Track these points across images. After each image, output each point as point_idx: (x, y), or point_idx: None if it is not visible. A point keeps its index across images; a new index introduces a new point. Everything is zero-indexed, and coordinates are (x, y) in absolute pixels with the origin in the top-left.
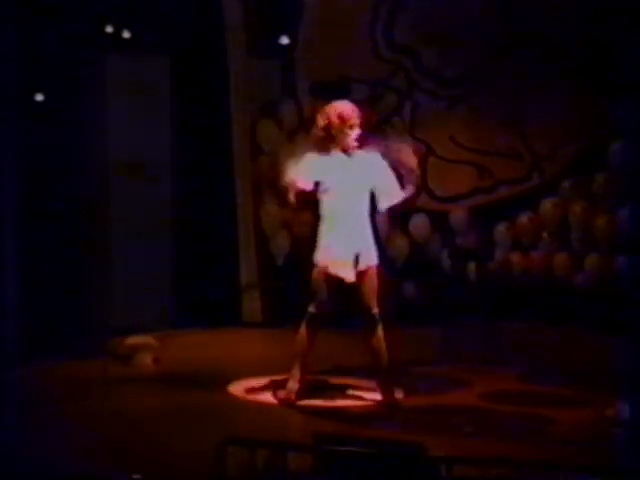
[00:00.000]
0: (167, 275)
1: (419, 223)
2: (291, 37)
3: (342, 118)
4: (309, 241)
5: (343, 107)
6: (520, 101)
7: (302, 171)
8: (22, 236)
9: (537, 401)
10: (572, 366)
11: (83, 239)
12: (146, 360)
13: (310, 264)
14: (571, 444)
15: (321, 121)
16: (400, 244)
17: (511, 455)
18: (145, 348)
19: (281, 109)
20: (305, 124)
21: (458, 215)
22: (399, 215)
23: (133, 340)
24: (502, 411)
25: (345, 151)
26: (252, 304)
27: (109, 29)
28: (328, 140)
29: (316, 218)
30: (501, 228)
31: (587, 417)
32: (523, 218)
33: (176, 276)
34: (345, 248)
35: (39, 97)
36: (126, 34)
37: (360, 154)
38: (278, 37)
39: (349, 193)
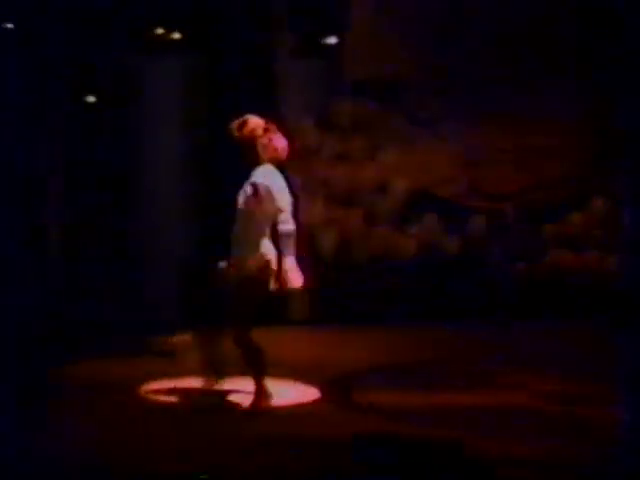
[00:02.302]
0: None
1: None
2: (338, 37)
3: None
4: (356, 239)
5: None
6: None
7: None
8: (66, 233)
9: (584, 401)
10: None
11: (125, 236)
12: (191, 358)
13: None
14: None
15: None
16: (450, 242)
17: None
18: (190, 346)
19: (328, 109)
20: (353, 123)
21: (508, 214)
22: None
23: (178, 338)
24: (552, 411)
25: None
26: (300, 301)
27: (158, 31)
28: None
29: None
30: (551, 227)
31: None
32: (574, 217)
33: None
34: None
35: (90, 99)
36: (172, 35)
37: None
38: (324, 37)
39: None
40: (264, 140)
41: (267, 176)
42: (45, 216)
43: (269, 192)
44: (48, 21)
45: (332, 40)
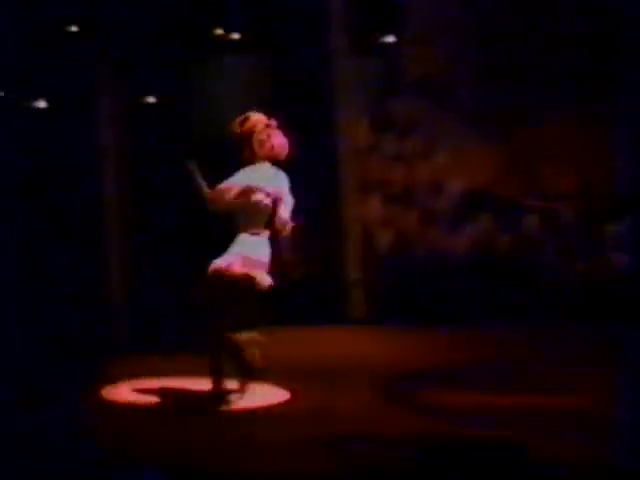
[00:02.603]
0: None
1: (529, 221)
2: (396, 35)
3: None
4: (412, 238)
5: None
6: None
7: None
8: (125, 237)
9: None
10: None
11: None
12: (254, 357)
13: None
14: None
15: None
16: (505, 242)
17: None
18: (252, 344)
19: (384, 108)
20: (409, 123)
21: (564, 214)
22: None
23: (240, 336)
24: (602, 414)
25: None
26: (357, 301)
27: (219, 30)
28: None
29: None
30: (611, 228)
31: None
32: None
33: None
34: None
35: (150, 99)
36: (233, 35)
37: None
38: (382, 35)
39: None
40: (262, 136)
41: (247, 173)
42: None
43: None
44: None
45: (390, 39)
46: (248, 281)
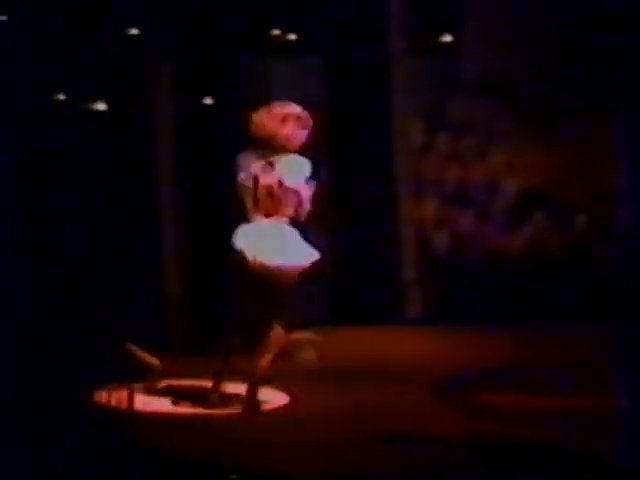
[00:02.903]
0: (328, 271)
1: (581, 222)
2: (454, 35)
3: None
4: (467, 239)
5: (302, 111)
6: None
7: None
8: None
9: None
10: None
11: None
12: (310, 356)
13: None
14: None
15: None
16: (560, 243)
17: None
18: (308, 344)
19: (443, 108)
20: (465, 123)
21: (619, 215)
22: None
23: (296, 336)
24: None
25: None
26: (414, 301)
27: (274, 32)
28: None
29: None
30: None
31: None
32: None
33: (337, 272)
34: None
35: (208, 100)
36: (286, 36)
37: None
38: (440, 35)
39: None
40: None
41: None
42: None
43: None
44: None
45: (447, 39)
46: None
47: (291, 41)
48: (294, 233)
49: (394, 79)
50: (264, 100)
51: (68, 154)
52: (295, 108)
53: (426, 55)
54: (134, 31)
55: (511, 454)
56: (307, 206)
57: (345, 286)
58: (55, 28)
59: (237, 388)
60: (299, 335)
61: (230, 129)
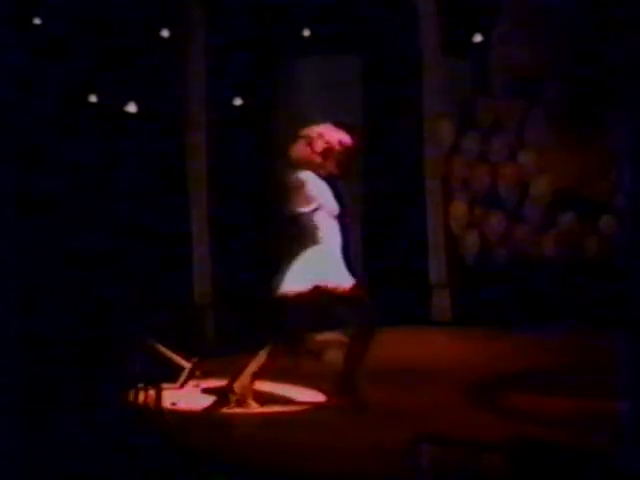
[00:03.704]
0: (357, 273)
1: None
2: (485, 35)
3: (344, 145)
4: (498, 241)
5: (343, 135)
6: None
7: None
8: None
9: None
10: None
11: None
12: (337, 356)
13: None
14: None
15: (320, 144)
16: (591, 243)
17: None
18: (336, 344)
19: (475, 108)
20: (496, 122)
21: None
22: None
23: (324, 336)
24: None
25: (328, 175)
26: (441, 303)
27: (305, 32)
28: (320, 164)
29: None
30: None
31: None
32: None
33: (365, 274)
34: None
35: (237, 101)
36: (319, 35)
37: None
38: (472, 35)
39: (335, 218)
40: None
41: None
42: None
43: None
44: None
45: (479, 39)
46: None
47: (322, 41)
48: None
49: (426, 78)
50: (293, 101)
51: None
52: (316, 129)
53: (458, 54)
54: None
55: (542, 456)
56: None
57: (374, 287)
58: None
59: (269, 387)
60: (327, 336)
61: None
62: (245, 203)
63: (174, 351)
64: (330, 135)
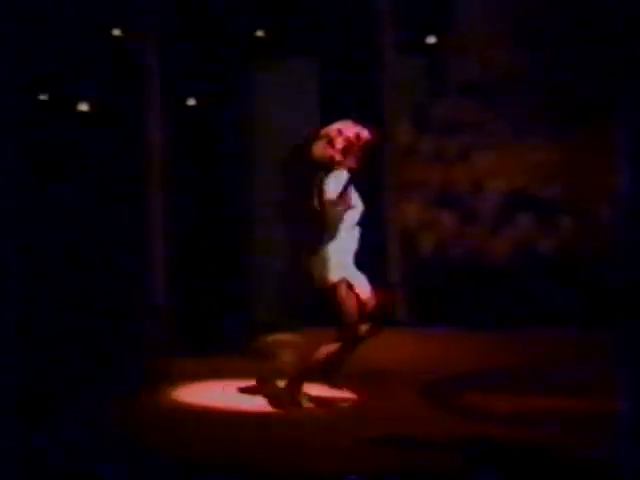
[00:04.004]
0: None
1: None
2: (442, 36)
3: (363, 140)
4: (451, 241)
5: (361, 129)
6: None
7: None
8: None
9: None
10: None
11: (225, 236)
12: (289, 358)
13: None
14: None
15: (340, 141)
16: (545, 244)
17: None
18: (288, 346)
19: (430, 109)
20: (451, 124)
21: (605, 215)
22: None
23: (276, 338)
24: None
25: (349, 170)
26: (397, 303)
27: (259, 33)
28: (339, 160)
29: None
30: None
31: None
32: None
33: None
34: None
35: (191, 101)
36: (276, 37)
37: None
38: (429, 35)
39: (360, 212)
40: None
41: None
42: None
43: None
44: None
45: (435, 39)
46: None
47: (278, 43)
48: None
49: (383, 79)
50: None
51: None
52: (335, 126)
53: (415, 55)
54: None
55: (499, 455)
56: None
57: None
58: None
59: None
60: (280, 337)
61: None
62: (198, 203)
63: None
64: (349, 131)
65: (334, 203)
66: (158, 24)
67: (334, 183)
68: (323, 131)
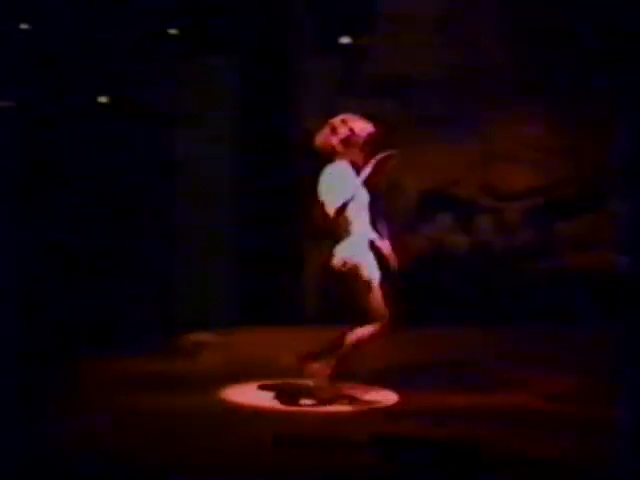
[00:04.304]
0: (234, 272)
1: (481, 222)
2: (353, 37)
3: (366, 133)
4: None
5: (366, 123)
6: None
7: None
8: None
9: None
10: None
11: (149, 233)
12: (209, 357)
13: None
14: None
15: (343, 131)
16: (461, 242)
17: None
18: (208, 345)
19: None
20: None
21: (518, 214)
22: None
23: (197, 336)
24: (563, 411)
25: (351, 164)
26: (312, 301)
27: (173, 30)
28: (340, 150)
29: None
30: (562, 227)
31: None
32: (586, 217)
33: (242, 273)
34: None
35: (103, 99)
36: (195, 34)
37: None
38: (343, 35)
39: (364, 199)
40: None
41: None
42: None
43: None
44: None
45: (349, 39)
46: None
47: (197, 39)
48: None
49: (297, 79)
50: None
51: None
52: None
53: (330, 55)
54: None
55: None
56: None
57: (249, 287)
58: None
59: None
60: (201, 336)
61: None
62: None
63: None
64: (353, 123)
65: (334, 219)
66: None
67: (326, 187)
68: (330, 120)
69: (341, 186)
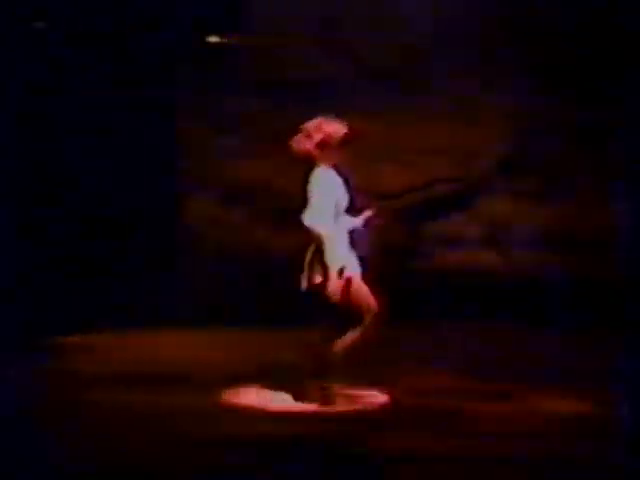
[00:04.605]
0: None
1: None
2: (237, 35)
3: (340, 136)
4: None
5: (340, 125)
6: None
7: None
8: None
9: (466, 396)
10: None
11: None
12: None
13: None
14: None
15: (317, 136)
16: None
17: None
18: (81, 349)
19: (224, 107)
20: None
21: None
22: None
23: (74, 339)
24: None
25: (330, 166)
26: (185, 301)
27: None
28: (316, 154)
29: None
30: (433, 225)
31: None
32: (456, 216)
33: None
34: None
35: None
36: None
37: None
38: (224, 35)
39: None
40: None
41: None
42: None
43: None
44: None
45: (228, 39)
46: None
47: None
48: None
49: (177, 78)
50: None
51: None
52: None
53: (210, 55)
54: None
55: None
56: None
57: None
58: None
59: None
60: (76, 338)
61: None
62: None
63: None
64: (327, 126)
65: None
66: None
67: (317, 193)
68: (303, 125)
69: (330, 193)
